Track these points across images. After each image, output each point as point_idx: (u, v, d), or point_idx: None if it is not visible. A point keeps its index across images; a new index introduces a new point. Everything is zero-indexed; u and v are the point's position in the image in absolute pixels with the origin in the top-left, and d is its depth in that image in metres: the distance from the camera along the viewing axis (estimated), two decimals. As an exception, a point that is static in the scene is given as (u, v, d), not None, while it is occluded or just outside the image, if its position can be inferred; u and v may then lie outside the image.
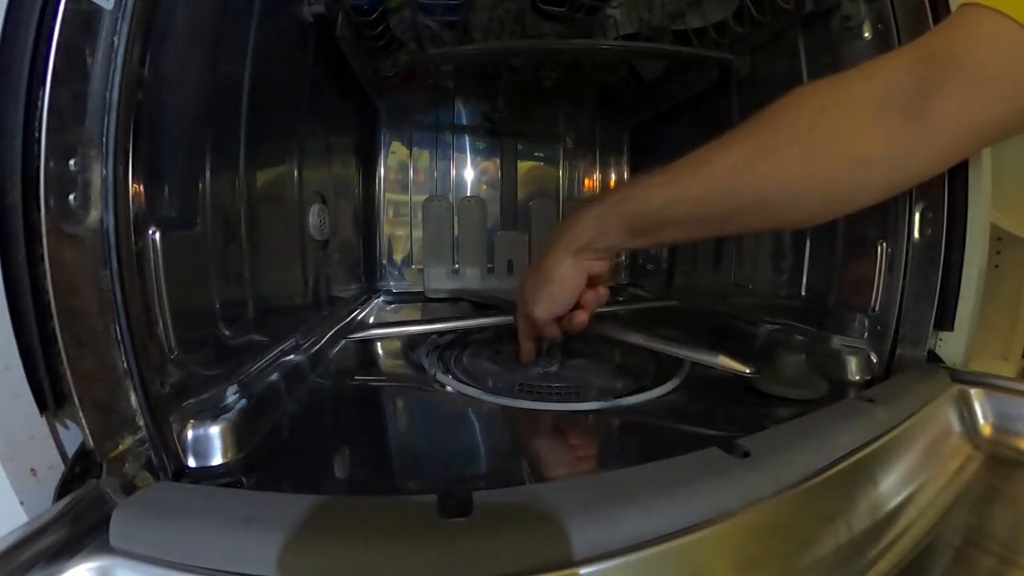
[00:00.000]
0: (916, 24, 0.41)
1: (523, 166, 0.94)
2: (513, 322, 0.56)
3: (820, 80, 0.35)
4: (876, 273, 0.45)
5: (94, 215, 0.24)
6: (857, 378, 0.44)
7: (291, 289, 0.50)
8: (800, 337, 0.52)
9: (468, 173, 0.91)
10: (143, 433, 0.26)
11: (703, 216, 0.37)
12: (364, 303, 0.75)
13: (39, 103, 0.22)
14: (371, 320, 0.72)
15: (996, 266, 0.61)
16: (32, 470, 0.23)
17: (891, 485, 0.29)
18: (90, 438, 0.24)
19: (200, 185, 0.34)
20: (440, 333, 0.59)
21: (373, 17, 0.58)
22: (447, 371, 0.48)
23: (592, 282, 0.44)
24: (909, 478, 0.30)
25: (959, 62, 0.29)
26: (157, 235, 0.28)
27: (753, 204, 0.35)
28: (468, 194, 0.90)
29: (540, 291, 0.44)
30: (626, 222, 0.39)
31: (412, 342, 0.57)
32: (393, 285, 0.88)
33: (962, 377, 0.39)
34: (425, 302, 0.84)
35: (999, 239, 0.58)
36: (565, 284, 0.43)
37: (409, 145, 0.88)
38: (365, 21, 0.59)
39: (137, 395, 0.25)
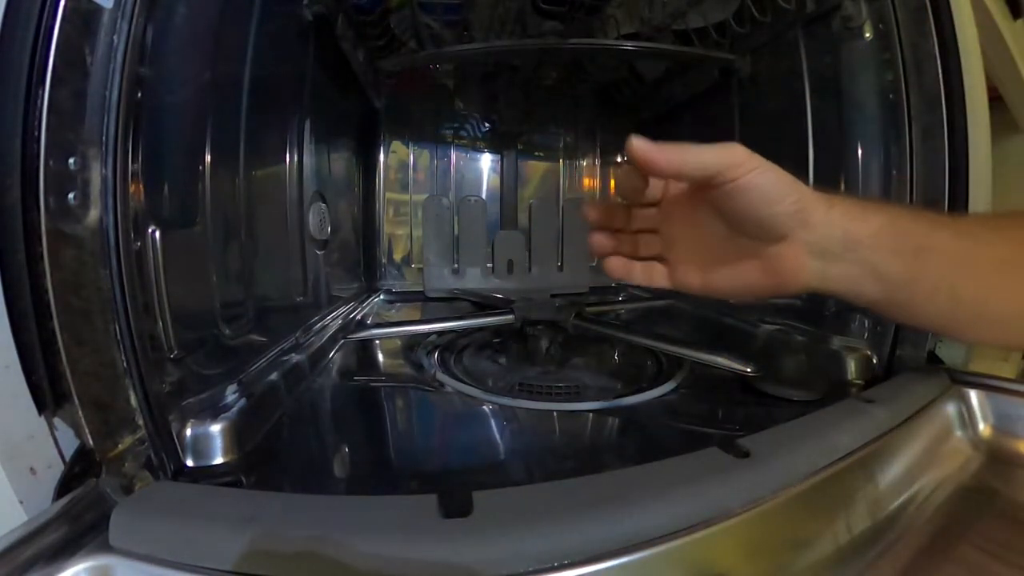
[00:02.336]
0: (917, 24, 0.41)
1: (523, 165, 0.93)
2: (513, 321, 0.56)
3: None
4: (876, 273, 0.45)
5: (94, 214, 0.24)
6: (857, 379, 0.44)
7: (291, 288, 0.50)
8: (800, 337, 0.52)
9: (468, 172, 0.91)
10: (143, 432, 0.26)
11: None
12: (364, 302, 0.75)
13: (38, 102, 0.22)
14: (371, 320, 0.72)
15: (996, 266, 0.61)
16: (31, 469, 0.23)
17: (891, 485, 0.29)
18: (89, 437, 0.24)
19: (200, 184, 0.34)
20: (440, 333, 0.59)
21: (373, 16, 0.58)
22: (447, 371, 0.48)
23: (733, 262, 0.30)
24: (909, 479, 0.30)
25: None
26: (157, 234, 0.28)
27: None
28: (468, 194, 0.90)
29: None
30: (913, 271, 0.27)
31: (412, 342, 0.57)
32: (393, 284, 0.88)
33: (962, 378, 0.39)
34: (425, 302, 0.84)
35: (999, 239, 0.58)
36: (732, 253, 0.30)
37: (409, 144, 0.88)
38: (365, 20, 0.59)
39: (137, 394, 0.25)
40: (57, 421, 0.24)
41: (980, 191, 0.40)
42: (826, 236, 0.28)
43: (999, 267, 0.28)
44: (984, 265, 0.28)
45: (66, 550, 0.19)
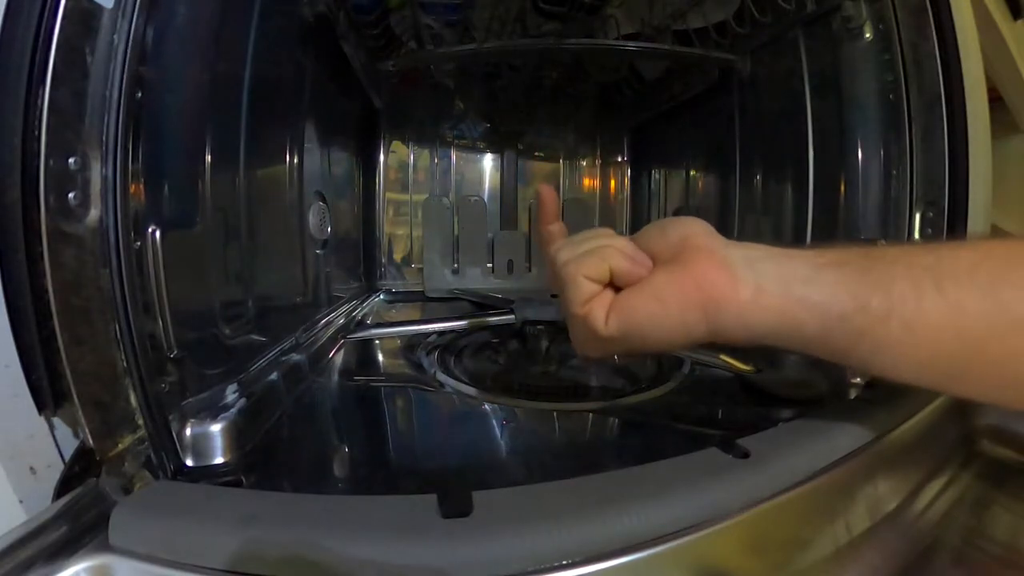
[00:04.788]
0: (917, 24, 0.41)
1: (523, 165, 0.94)
2: (513, 321, 0.56)
3: None
4: (876, 273, 0.45)
5: (94, 214, 0.24)
6: (857, 378, 0.44)
7: (291, 288, 0.50)
8: (800, 337, 0.52)
9: (468, 172, 0.91)
10: (142, 432, 0.26)
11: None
12: (364, 302, 0.75)
13: (39, 101, 0.22)
14: (371, 319, 0.72)
15: (996, 267, 0.61)
16: (31, 468, 0.23)
17: (890, 486, 0.29)
18: (89, 437, 0.23)
19: (200, 184, 0.34)
20: (440, 333, 0.59)
21: (374, 16, 0.58)
22: (447, 371, 0.48)
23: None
24: (908, 479, 0.30)
25: None
26: (157, 234, 0.28)
27: None
28: (468, 194, 0.90)
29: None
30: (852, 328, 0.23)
31: (412, 342, 0.57)
32: (393, 284, 0.88)
33: (962, 378, 0.38)
34: (425, 301, 0.84)
35: (999, 240, 0.58)
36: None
37: (409, 144, 0.88)
38: (366, 20, 0.59)
39: (136, 394, 0.25)
40: (57, 421, 0.24)
41: (980, 191, 0.40)
42: None
43: None
44: None
45: (66, 550, 0.19)
